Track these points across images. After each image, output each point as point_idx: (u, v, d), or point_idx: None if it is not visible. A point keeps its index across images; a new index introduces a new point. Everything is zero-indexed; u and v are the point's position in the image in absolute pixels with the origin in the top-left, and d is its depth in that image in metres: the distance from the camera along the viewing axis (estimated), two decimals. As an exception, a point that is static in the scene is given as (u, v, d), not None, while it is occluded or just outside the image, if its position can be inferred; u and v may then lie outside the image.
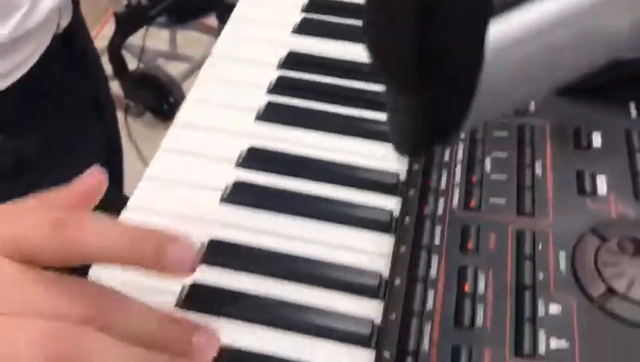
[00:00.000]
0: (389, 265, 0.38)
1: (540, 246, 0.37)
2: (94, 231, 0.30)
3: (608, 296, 0.35)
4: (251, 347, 0.35)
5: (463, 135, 0.43)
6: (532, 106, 0.45)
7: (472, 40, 0.18)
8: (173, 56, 1.95)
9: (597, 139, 0.43)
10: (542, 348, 0.33)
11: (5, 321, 0.27)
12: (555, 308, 0.35)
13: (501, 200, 0.40)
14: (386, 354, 0.34)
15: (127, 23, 1.74)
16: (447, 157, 0.42)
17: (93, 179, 0.34)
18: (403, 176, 0.43)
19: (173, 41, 1.95)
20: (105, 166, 0.36)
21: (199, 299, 0.37)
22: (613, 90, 0.44)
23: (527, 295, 0.35)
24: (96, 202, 0.34)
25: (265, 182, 0.43)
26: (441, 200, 0.40)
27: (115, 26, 1.75)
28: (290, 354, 0.34)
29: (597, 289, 0.35)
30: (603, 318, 0.34)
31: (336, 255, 0.39)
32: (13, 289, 0.28)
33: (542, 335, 0.33)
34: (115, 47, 1.72)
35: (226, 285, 0.37)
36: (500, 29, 0.18)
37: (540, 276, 0.36)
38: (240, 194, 0.42)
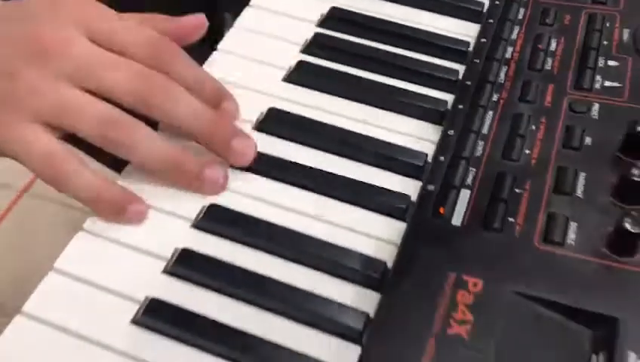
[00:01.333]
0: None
1: (608, 24, 0.44)
2: (183, 62, 0.38)
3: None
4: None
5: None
6: None
7: None
8: None
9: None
10: (597, 85, 0.40)
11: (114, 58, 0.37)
12: (613, 62, 0.42)
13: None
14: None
15: None
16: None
17: (197, 19, 0.41)
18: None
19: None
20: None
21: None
22: None
23: (592, 53, 0.42)
24: (189, 42, 0.41)
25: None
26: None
27: None
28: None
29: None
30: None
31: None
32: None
33: (598, 78, 0.41)
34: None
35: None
36: None
37: (605, 42, 0.43)
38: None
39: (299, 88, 0.43)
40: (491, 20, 0.46)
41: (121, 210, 0.35)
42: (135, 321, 0.31)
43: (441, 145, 0.38)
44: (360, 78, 0.43)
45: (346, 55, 0.45)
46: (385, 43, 0.46)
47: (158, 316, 0.31)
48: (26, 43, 0.36)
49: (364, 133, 0.40)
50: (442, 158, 0.37)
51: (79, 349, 0.31)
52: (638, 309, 0.30)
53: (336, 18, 0.47)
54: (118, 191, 0.36)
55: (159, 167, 0.36)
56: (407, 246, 0.34)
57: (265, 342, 0.31)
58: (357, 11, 0.48)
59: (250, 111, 0.41)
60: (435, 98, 0.42)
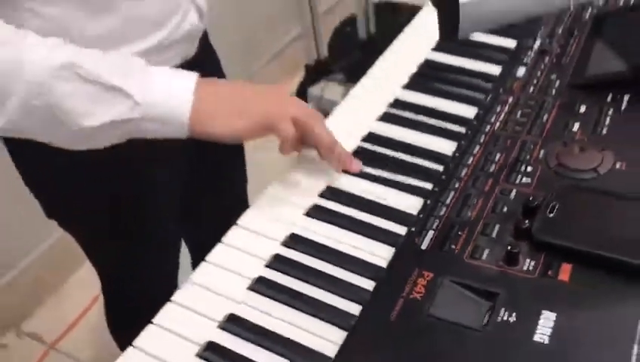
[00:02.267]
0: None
1: (532, 146, 0.73)
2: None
3: None
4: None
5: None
6: None
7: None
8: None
9: None
10: (517, 180, 0.69)
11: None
12: (530, 168, 0.70)
13: None
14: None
15: (314, 73, 2.26)
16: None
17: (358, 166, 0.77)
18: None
19: (345, 95, 2.44)
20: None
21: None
22: None
23: (519, 163, 0.71)
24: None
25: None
26: None
27: (304, 75, 2.28)
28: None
29: None
30: None
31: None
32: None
33: (519, 176, 0.69)
34: (301, 93, 2.24)
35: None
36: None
37: (527, 156, 0.72)
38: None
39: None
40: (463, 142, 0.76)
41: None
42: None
43: (423, 208, 0.67)
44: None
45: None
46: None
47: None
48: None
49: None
50: (421, 216, 0.66)
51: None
52: (511, 288, 0.56)
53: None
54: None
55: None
56: (397, 256, 0.62)
57: None
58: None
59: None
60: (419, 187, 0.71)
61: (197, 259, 1.10)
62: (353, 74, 2.28)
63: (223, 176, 1.10)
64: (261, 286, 0.63)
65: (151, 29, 0.76)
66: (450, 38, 0.60)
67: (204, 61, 0.90)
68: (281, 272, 0.64)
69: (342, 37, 2.44)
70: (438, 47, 0.94)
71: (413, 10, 1.07)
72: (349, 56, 2.28)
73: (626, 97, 0.76)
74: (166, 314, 0.61)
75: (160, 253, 1.09)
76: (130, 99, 0.65)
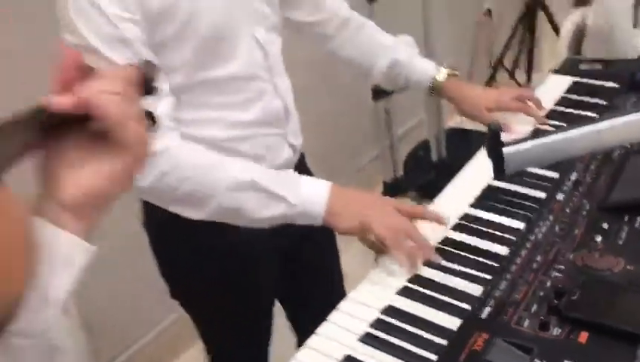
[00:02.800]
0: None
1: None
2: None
3: None
4: None
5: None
6: None
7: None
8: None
9: None
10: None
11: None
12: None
13: None
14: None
15: (391, 190, 2.58)
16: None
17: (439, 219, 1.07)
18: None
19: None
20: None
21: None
22: None
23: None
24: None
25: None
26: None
27: (383, 191, 2.60)
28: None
29: None
30: None
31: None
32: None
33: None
34: (379, 206, 2.54)
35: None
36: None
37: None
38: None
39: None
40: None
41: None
42: None
43: (484, 292, 0.94)
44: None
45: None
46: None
47: None
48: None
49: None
50: (481, 297, 0.93)
51: None
52: (544, 346, 0.82)
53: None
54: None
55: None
56: (465, 323, 0.88)
57: None
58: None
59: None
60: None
61: (300, 339, 1.39)
62: (426, 192, 2.59)
63: (322, 265, 1.40)
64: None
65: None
66: (499, 178, 0.88)
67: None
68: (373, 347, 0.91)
69: (416, 159, 2.78)
70: (498, 175, 1.24)
71: (482, 135, 1.17)
72: (422, 176, 2.60)
73: (639, 218, 1.02)
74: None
75: (261, 332, 1.37)
76: (287, 203, 1.00)
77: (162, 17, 0.95)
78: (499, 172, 0.84)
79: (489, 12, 3.68)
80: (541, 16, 3.44)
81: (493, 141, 0.82)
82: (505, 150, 0.84)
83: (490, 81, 3.37)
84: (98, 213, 0.57)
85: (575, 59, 1.72)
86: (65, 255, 0.53)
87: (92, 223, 0.56)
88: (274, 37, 1.16)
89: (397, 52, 1.37)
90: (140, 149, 0.57)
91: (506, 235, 1.07)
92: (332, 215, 1.03)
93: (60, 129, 0.55)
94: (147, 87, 0.59)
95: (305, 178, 1.06)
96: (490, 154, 0.84)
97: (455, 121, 2.94)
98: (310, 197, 1.03)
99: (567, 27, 2.29)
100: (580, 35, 2.30)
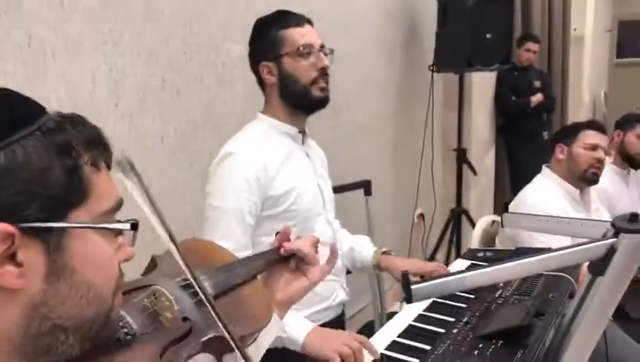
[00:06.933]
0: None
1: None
2: None
3: None
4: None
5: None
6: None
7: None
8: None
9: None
10: None
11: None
12: None
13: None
14: None
15: None
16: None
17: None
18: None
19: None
20: None
21: None
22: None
23: None
24: None
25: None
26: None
27: None
28: None
29: None
30: None
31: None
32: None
33: None
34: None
35: None
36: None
37: None
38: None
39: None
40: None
41: None
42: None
43: None
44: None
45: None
46: None
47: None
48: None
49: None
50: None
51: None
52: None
53: None
54: None
55: None
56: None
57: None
58: None
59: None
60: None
61: None
62: None
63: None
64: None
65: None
66: (409, 302, 1.45)
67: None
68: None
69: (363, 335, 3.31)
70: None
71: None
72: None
73: (500, 342, 1.60)
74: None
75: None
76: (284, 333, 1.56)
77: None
78: (409, 300, 1.43)
79: (422, 216, 4.49)
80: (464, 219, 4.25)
81: (405, 281, 1.41)
82: (412, 287, 1.44)
83: (424, 274, 4.05)
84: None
85: (474, 249, 2.40)
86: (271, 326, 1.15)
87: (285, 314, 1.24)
88: (334, 218, 2.03)
89: (353, 242, 2.09)
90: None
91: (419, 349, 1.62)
92: (307, 348, 1.61)
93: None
94: None
95: (299, 322, 1.65)
96: (404, 289, 1.43)
97: (394, 307, 3.57)
98: (296, 334, 1.62)
99: (477, 231, 3.04)
100: (492, 232, 3.03)
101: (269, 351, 1.59)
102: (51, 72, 2.00)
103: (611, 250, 1.37)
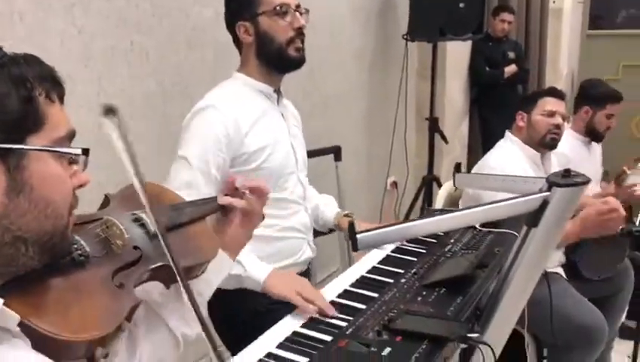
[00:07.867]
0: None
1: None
2: None
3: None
4: None
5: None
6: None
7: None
8: None
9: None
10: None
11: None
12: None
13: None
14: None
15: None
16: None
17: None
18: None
19: None
20: None
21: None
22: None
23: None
24: None
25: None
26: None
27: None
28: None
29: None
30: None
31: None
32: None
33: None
34: None
35: None
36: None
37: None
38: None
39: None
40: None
41: None
42: None
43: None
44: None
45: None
46: None
47: None
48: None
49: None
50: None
51: None
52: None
53: None
54: None
55: None
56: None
57: None
58: None
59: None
60: None
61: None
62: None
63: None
64: None
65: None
66: (355, 250, 1.54)
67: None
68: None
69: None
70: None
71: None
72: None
73: (443, 289, 1.70)
74: None
75: None
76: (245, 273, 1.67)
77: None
78: (354, 248, 1.52)
79: (395, 184, 4.58)
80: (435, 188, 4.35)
81: (351, 230, 1.50)
82: (358, 236, 1.53)
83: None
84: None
85: (432, 209, 2.51)
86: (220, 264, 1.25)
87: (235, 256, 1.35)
88: (305, 177, 2.15)
89: (319, 200, 2.21)
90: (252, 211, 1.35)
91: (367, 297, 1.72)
92: (267, 287, 1.70)
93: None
94: None
95: (258, 266, 1.76)
96: (350, 237, 1.52)
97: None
98: (257, 274, 1.72)
99: (442, 193, 3.14)
100: (456, 196, 3.14)
101: (229, 292, 1.68)
102: (20, 34, 2.04)
103: (544, 203, 1.46)
